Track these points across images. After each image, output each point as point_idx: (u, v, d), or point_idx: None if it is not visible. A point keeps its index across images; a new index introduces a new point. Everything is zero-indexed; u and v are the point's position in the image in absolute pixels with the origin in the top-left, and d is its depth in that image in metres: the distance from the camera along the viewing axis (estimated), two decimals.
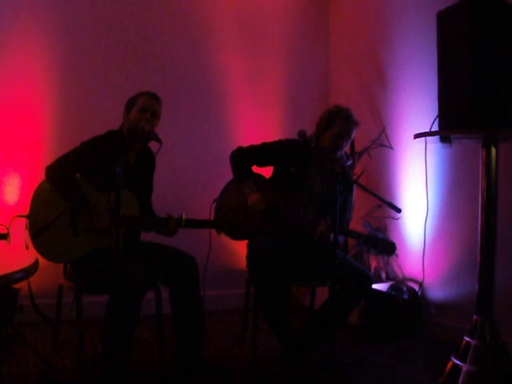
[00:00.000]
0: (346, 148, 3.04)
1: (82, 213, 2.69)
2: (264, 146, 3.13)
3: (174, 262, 2.79)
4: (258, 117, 4.28)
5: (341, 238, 2.90)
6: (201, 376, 2.69)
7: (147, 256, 2.83)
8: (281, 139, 3.16)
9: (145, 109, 2.79)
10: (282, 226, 2.99)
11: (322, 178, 3.07)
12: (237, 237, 3.07)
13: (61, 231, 2.65)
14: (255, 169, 3.17)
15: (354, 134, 3.01)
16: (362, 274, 2.88)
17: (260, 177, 3.13)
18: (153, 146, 2.85)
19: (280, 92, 4.38)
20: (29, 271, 1.88)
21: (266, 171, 3.21)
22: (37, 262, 2.02)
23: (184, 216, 2.75)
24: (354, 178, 3.90)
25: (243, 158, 3.12)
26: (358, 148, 3.95)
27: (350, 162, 3.08)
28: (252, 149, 3.13)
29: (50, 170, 2.75)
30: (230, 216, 3.03)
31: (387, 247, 2.81)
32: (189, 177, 4.06)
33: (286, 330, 2.87)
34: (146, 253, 2.85)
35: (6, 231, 3.35)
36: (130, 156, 2.83)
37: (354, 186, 3.10)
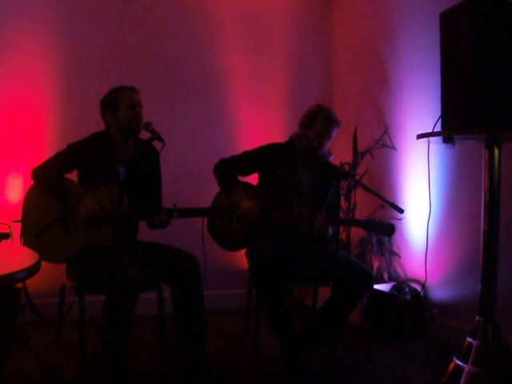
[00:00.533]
0: (328, 146, 3.06)
1: (71, 212, 2.67)
2: (245, 154, 3.17)
3: (175, 260, 2.79)
4: (260, 116, 4.28)
5: (332, 228, 2.92)
6: (203, 376, 2.69)
7: (148, 256, 2.83)
8: (261, 145, 3.18)
9: (133, 105, 2.81)
10: (279, 226, 3.00)
11: (308, 175, 3.11)
12: (234, 246, 3.11)
13: (51, 231, 2.60)
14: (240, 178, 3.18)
15: (334, 134, 3.04)
16: (363, 271, 2.89)
17: (247, 184, 3.16)
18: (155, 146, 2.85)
19: (283, 92, 4.37)
20: (31, 270, 1.88)
21: (251, 179, 3.21)
22: (39, 261, 2.02)
23: (176, 205, 2.73)
24: (357, 178, 3.90)
25: (227, 168, 3.13)
26: (360, 148, 3.95)
27: (331, 158, 3.11)
28: (234, 159, 3.16)
29: (36, 173, 2.76)
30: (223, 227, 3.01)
31: (387, 228, 2.90)
32: (190, 176, 4.06)
33: (288, 330, 2.87)
34: (146, 253, 2.85)
35: (8, 230, 3.36)
36: (129, 151, 2.83)
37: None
